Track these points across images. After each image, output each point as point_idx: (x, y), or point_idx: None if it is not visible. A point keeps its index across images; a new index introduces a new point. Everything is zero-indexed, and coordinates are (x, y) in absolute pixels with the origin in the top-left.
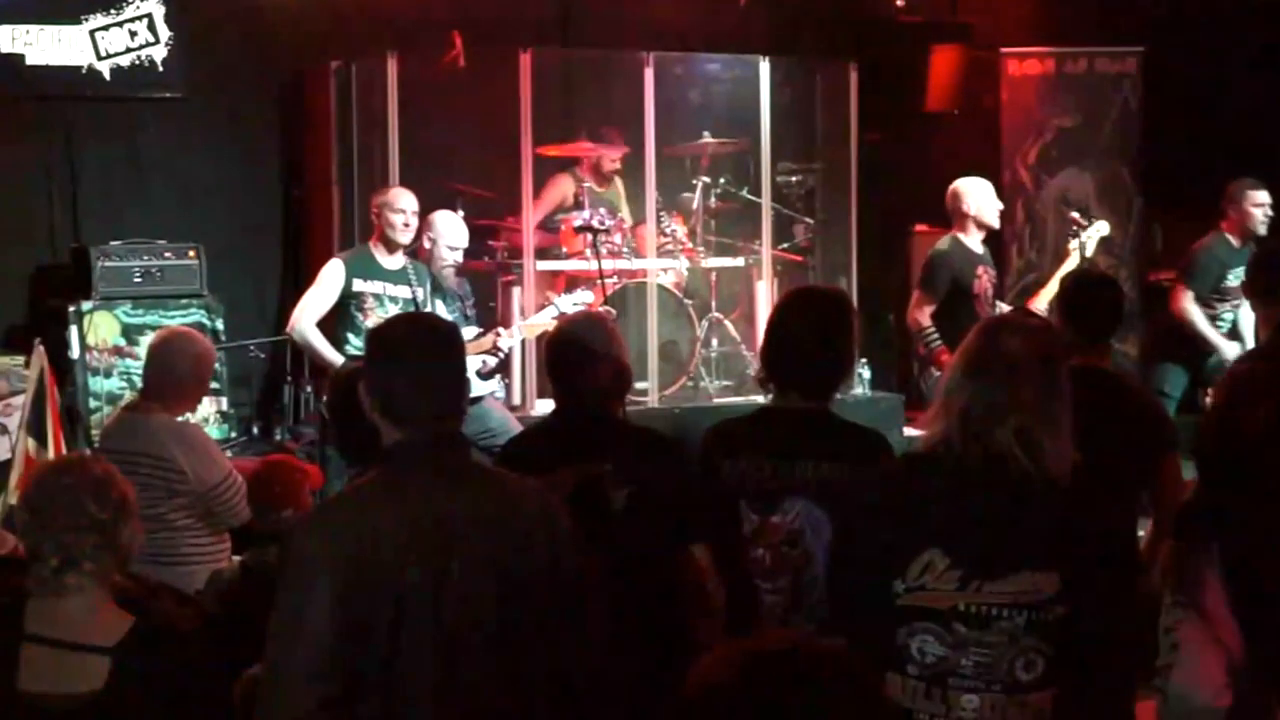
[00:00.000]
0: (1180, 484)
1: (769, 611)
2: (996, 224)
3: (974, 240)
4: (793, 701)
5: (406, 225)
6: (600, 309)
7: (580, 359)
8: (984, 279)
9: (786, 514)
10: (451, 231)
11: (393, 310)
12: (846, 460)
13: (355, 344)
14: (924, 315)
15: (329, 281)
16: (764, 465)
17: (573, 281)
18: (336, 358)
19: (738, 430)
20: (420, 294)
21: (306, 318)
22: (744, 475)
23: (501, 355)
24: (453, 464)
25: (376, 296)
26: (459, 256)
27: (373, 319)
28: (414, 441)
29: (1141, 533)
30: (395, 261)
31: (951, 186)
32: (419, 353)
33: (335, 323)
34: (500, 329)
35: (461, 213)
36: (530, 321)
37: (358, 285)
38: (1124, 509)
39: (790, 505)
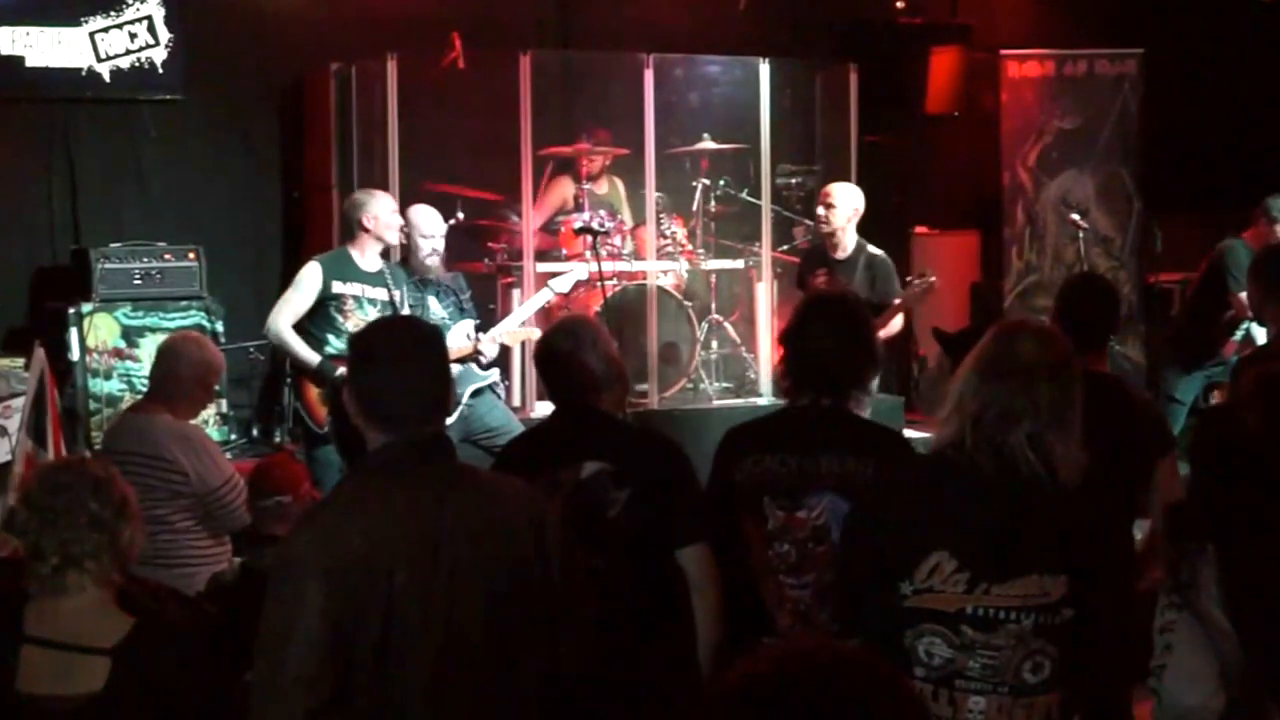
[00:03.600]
0: (1177, 486)
1: (793, 607)
2: (822, 230)
3: (829, 241)
4: (826, 706)
5: (401, 226)
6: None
7: (566, 350)
8: (819, 279)
9: (811, 510)
10: (426, 221)
11: (372, 312)
12: (870, 455)
13: (335, 344)
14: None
15: (307, 284)
16: (788, 461)
17: (572, 284)
18: (313, 357)
19: (759, 429)
20: (398, 295)
21: (283, 319)
22: (767, 471)
23: (484, 358)
24: (438, 466)
25: (356, 299)
26: (438, 244)
27: (353, 320)
28: (398, 445)
29: (1138, 535)
30: (373, 264)
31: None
32: (400, 356)
33: (315, 324)
34: (479, 335)
35: (460, 214)
36: (516, 318)
37: (337, 287)
38: (1122, 511)
39: (815, 501)
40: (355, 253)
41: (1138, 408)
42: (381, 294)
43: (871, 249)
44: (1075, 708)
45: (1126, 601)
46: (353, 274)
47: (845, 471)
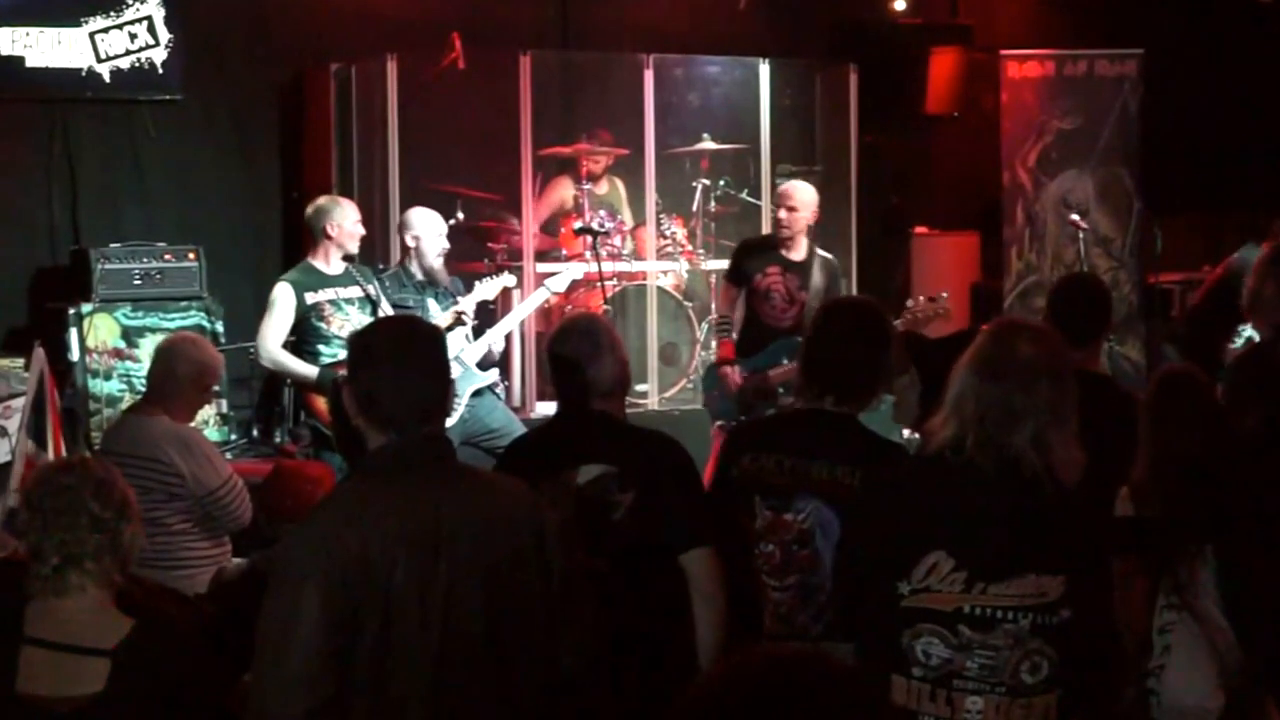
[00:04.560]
0: None
1: (775, 609)
2: (783, 234)
3: (786, 242)
4: (795, 715)
5: (363, 234)
6: (599, 310)
7: (583, 357)
8: (771, 278)
9: (798, 513)
10: (429, 223)
11: (351, 311)
12: (860, 465)
13: (327, 353)
14: (721, 302)
15: (282, 304)
16: (783, 462)
17: (572, 284)
18: (311, 370)
19: (762, 427)
20: (372, 289)
21: (271, 342)
22: (761, 470)
23: (468, 318)
24: (438, 466)
25: (332, 303)
26: (444, 243)
27: (336, 324)
28: (398, 445)
29: None
30: (337, 267)
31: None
32: (399, 356)
33: (302, 338)
34: (458, 297)
35: (460, 214)
36: (490, 283)
37: (310, 298)
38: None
39: (803, 504)
40: (318, 261)
41: (1130, 407)
42: (355, 291)
43: (820, 251)
44: (1072, 708)
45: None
46: (321, 281)
47: (833, 479)
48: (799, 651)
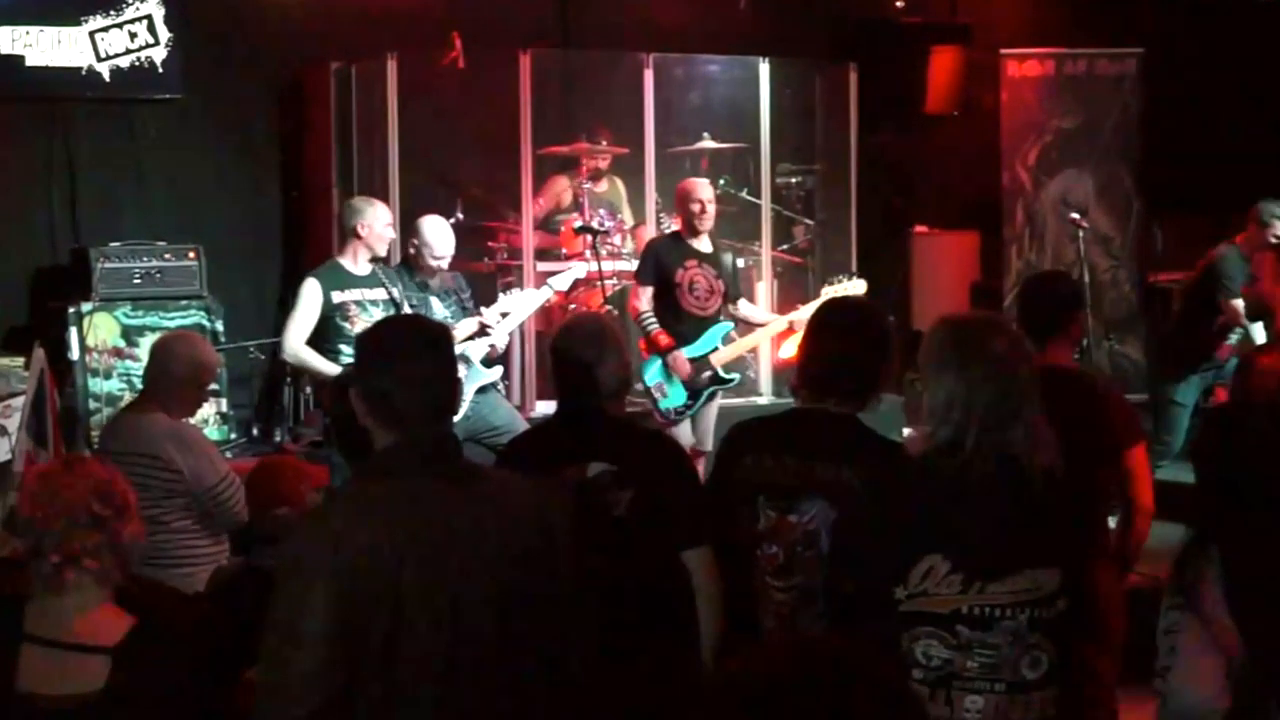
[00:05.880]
0: (1147, 476)
1: (777, 610)
2: (703, 227)
3: (693, 237)
4: (820, 702)
5: (393, 238)
6: (601, 309)
7: (589, 358)
8: (691, 271)
9: (804, 514)
10: (437, 241)
11: (375, 313)
12: (864, 466)
13: (348, 352)
14: (641, 301)
15: (308, 300)
16: (786, 463)
17: (573, 282)
18: (333, 368)
19: (763, 428)
20: (396, 292)
21: (295, 338)
22: (765, 471)
23: (491, 330)
24: (447, 465)
25: (358, 303)
26: (444, 264)
27: (359, 325)
28: (407, 443)
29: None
30: (364, 268)
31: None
32: (408, 355)
33: (324, 336)
34: (481, 308)
35: (460, 214)
36: (515, 296)
37: (336, 297)
38: (1097, 502)
39: (808, 506)
40: (346, 260)
41: (1104, 399)
42: (380, 294)
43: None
44: (1070, 702)
45: (1105, 593)
46: (348, 281)
47: (839, 480)
48: (825, 641)
